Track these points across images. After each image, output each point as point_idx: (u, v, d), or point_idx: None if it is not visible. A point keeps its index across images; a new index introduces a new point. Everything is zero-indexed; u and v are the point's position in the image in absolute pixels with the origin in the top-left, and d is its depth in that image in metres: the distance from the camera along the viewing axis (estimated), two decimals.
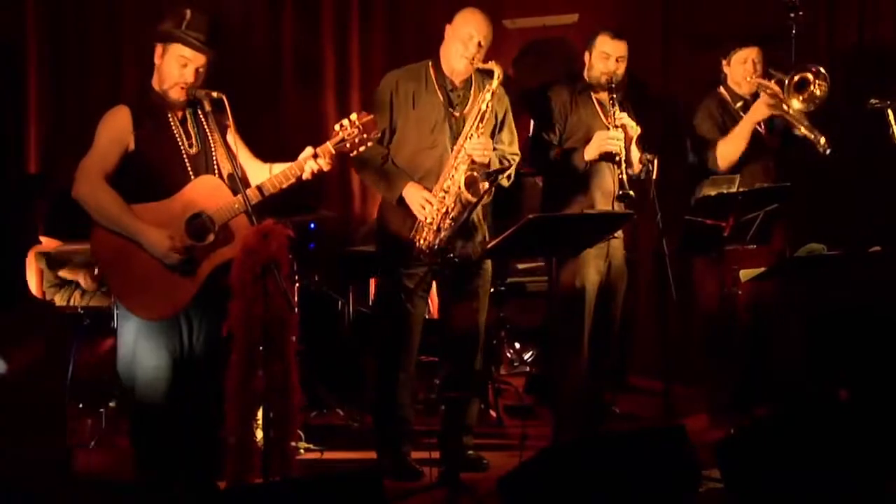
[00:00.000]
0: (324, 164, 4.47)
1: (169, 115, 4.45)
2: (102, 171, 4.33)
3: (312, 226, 6.87)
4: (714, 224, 5.27)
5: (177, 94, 4.42)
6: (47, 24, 7.37)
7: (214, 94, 4.39)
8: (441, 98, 5.17)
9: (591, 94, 5.61)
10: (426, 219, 5.03)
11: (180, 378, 4.41)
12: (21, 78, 7.11)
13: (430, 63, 5.25)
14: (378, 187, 5.24)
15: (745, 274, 5.52)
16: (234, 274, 4.23)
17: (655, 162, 5.39)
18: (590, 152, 5.40)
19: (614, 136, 5.34)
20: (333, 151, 4.48)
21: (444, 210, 5.01)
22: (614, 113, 5.40)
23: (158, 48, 4.45)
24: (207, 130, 4.50)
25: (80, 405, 5.86)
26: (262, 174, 4.50)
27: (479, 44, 5.12)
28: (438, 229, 5.02)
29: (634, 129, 5.41)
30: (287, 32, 7.70)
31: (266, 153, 4.70)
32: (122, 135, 4.38)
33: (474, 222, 5.20)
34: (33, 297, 5.85)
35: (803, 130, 5.70)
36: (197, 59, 4.41)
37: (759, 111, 5.75)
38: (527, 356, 7.44)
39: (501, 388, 6.57)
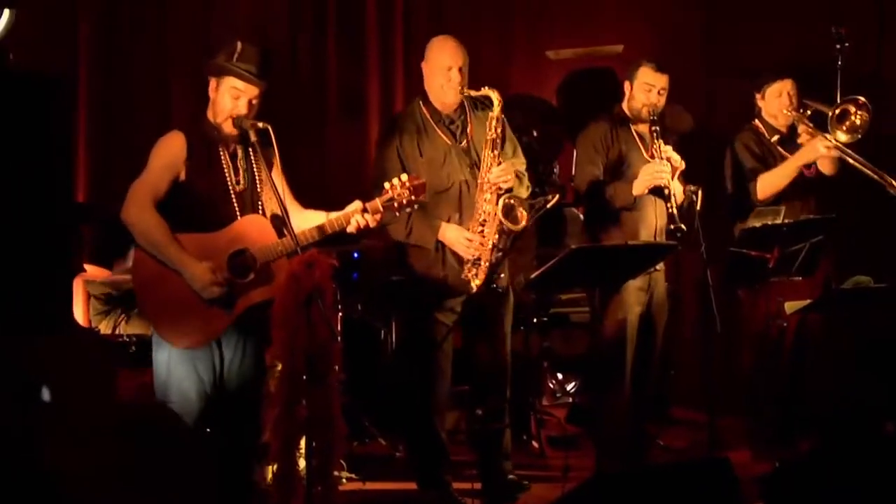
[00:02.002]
0: (370, 220, 4.51)
1: (220, 150, 4.48)
2: (152, 196, 4.35)
3: (356, 255, 6.87)
4: (759, 255, 5.23)
5: (230, 128, 4.45)
6: (98, 58, 7.43)
7: (260, 125, 4.41)
8: (443, 135, 5.16)
9: (631, 126, 5.59)
10: (473, 257, 5.00)
11: (212, 408, 4.41)
12: (72, 110, 7.18)
13: (419, 102, 5.24)
14: (410, 239, 5.18)
15: (790, 306, 5.46)
16: (278, 303, 4.23)
17: (699, 193, 5.35)
18: (639, 186, 5.36)
19: (662, 168, 5.30)
20: (382, 209, 4.51)
21: (489, 244, 4.99)
22: (659, 146, 5.37)
23: (212, 81, 4.48)
24: (255, 168, 4.52)
25: None
26: (299, 221, 4.50)
27: (461, 69, 5.10)
28: (490, 264, 5.00)
29: (679, 163, 5.38)
30: (331, 62, 7.70)
31: (308, 188, 4.73)
32: (175, 162, 4.40)
33: None
34: (78, 325, 5.87)
35: (869, 174, 5.57)
36: (249, 91, 4.43)
37: (811, 152, 5.66)
38: (569, 386, 7.38)
39: (544, 419, 6.53)
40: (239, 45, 4.45)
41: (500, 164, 5.03)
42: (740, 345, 6.11)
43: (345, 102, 7.71)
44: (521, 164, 5.28)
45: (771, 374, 5.71)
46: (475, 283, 5.02)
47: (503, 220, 4.97)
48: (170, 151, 4.43)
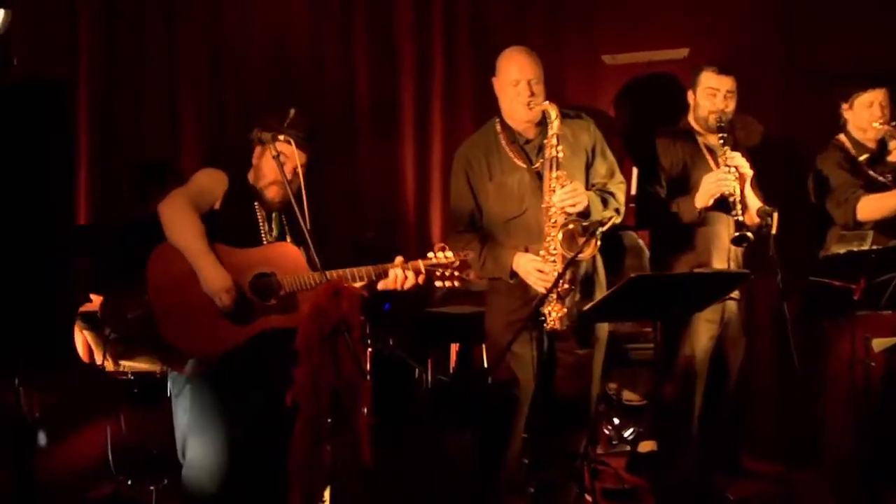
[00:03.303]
0: (410, 278, 4.65)
1: (255, 205, 4.72)
2: (195, 203, 4.57)
3: (387, 307, 6.90)
4: (843, 286, 5.20)
5: (273, 193, 4.68)
6: (101, 61, 7.48)
7: (281, 137, 4.60)
8: (515, 157, 5.20)
9: (698, 138, 5.60)
10: (546, 290, 5.03)
11: (238, 458, 4.45)
12: (71, 120, 7.24)
13: (496, 121, 5.33)
14: (485, 273, 5.28)
15: (878, 343, 5.42)
16: (301, 336, 4.26)
17: (775, 216, 5.34)
18: (701, 198, 5.38)
19: (725, 176, 5.32)
20: (424, 272, 4.64)
21: (555, 276, 5.01)
22: (725, 153, 5.39)
23: (258, 147, 4.74)
24: (287, 230, 4.73)
25: (129, 481, 5.91)
26: None
27: (530, 83, 5.16)
28: (561, 297, 5.02)
29: (748, 171, 5.39)
30: (361, 71, 7.72)
31: (336, 213, 4.80)
32: (214, 193, 4.65)
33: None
34: (81, 363, 5.93)
35: None
36: (295, 158, 4.63)
37: None
38: (628, 433, 7.35)
39: (598, 469, 6.50)
40: (292, 111, 4.71)
41: (563, 186, 5.05)
42: (821, 386, 6.07)
43: (376, 117, 7.71)
44: (616, 184, 5.33)
45: (856, 419, 5.67)
46: (550, 319, 5.04)
47: (561, 248, 4.99)
48: (211, 180, 4.68)
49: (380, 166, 7.63)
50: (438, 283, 4.77)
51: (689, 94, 5.67)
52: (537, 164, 5.20)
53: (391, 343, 6.59)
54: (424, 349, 6.59)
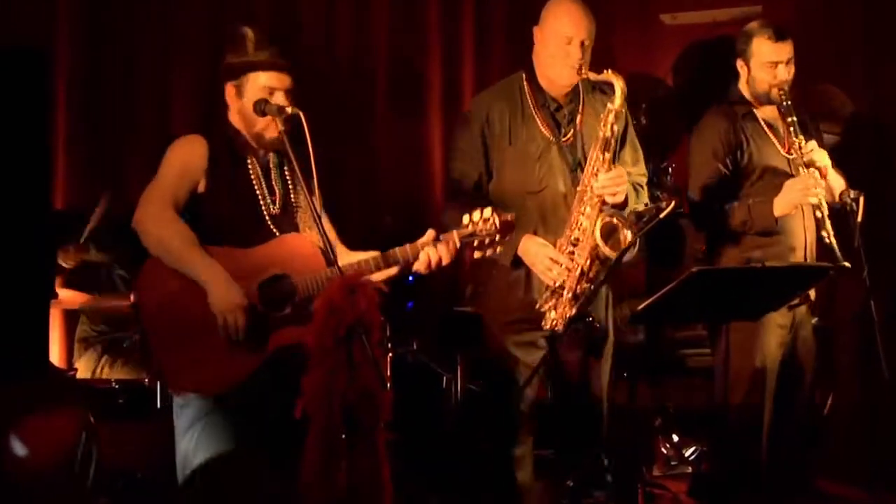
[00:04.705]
0: (445, 254, 4.51)
1: (249, 163, 4.56)
2: (172, 201, 4.43)
3: (410, 279, 6.88)
4: None
5: (273, 131, 4.51)
6: (83, 27, 7.49)
7: (288, 110, 4.45)
8: (542, 125, 5.16)
9: (755, 112, 5.57)
10: (555, 283, 5.01)
11: (246, 481, 4.45)
12: (48, 92, 7.26)
13: (523, 77, 5.26)
14: None
15: None
16: (313, 339, 4.23)
17: (861, 201, 5.31)
18: (783, 206, 5.35)
19: (814, 183, 5.27)
20: (458, 244, 4.51)
21: (577, 271, 4.98)
22: (799, 144, 5.34)
23: (229, 89, 4.57)
24: (292, 188, 4.59)
25: None
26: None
27: (583, 44, 5.09)
28: (575, 296, 4.99)
29: (825, 161, 5.34)
30: (381, 37, 7.72)
31: (353, 198, 4.74)
32: (193, 171, 4.49)
33: None
34: (55, 368, 5.95)
35: None
36: (283, 81, 4.53)
37: None
38: (688, 452, 7.33)
39: (655, 494, 6.50)
40: (249, 31, 4.52)
41: (608, 170, 5.02)
42: None
43: (397, 87, 7.71)
44: (640, 175, 5.31)
45: None
46: (550, 318, 5.02)
47: (600, 243, 4.95)
48: (187, 157, 4.52)
49: (402, 147, 7.64)
50: (478, 254, 4.63)
51: (739, 62, 5.62)
52: (568, 136, 5.17)
53: (415, 347, 6.59)
54: (453, 354, 6.57)
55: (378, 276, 4.53)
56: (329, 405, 4.19)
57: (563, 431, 5.36)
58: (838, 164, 5.52)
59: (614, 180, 4.99)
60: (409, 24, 7.69)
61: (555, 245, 5.07)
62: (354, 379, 4.18)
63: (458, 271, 7.46)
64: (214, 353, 4.36)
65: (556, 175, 5.14)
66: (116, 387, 5.96)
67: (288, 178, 4.62)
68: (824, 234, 5.27)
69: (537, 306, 5.07)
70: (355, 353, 4.18)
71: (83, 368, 6.27)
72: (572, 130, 5.18)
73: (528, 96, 5.22)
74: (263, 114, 4.47)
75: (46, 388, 5.41)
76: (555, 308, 5.03)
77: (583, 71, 5.07)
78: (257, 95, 4.49)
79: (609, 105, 5.06)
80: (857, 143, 6.13)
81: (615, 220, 5.01)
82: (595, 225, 4.99)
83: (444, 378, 6.59)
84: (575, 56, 5.07)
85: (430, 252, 4.51)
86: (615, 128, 5.06)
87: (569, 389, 5.28)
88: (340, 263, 4.42)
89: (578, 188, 5.06)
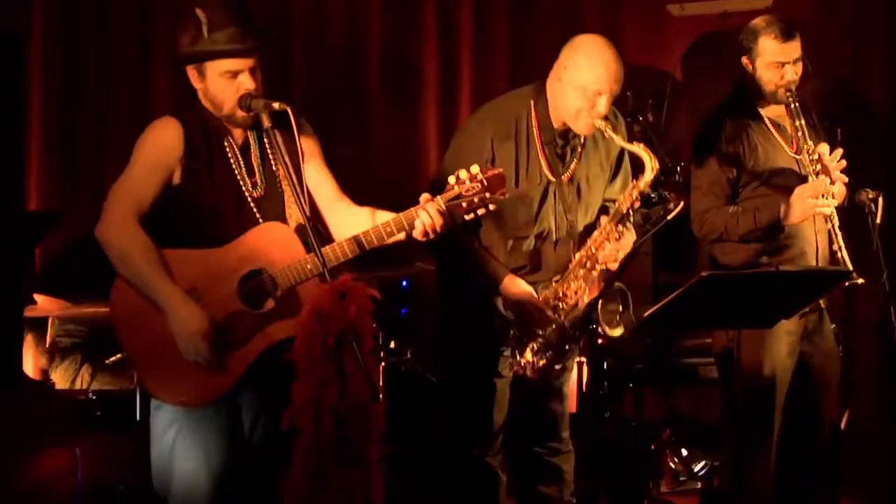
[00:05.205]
0: (436, 219, 4.39)
1: (227, 144, 4.50)
2: (136, 206, 4.35)
3: (405, 284, 6.88)
4: None
5: (238, 115, 4.44)
6: (57, 14, 7.48)
7: (276, 105, 4.40)
8: (545, 165, 5.12)
9: (762, 112, 5.56)
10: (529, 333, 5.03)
11: (228, 489, 4.43)
12: (21, 83, 7.25)
13: (531, 106, 5.13)
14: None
15: None
16: (300, 347, 4.21)
17: (880, 201, 5.31)
18: (791, 216, 5.34)
19: (823, 191, 5.25)
20: (444, 208, 4.43)
21: (558, 325, 5.02)
22: (808, 149, 5.33)
23: (191, 71, 4.48)
24: (274, 165, 4.52)
25: None
26: (357, 223, 4.49)
27: (603, 98, 4.95)
28: (540, 349, 5.04)
29: (834, 164, 5.33)
30: (374, 25, 7.72)
31: (346, 187, 4.69)
32: (167, 160, 4.40)
33: None
34: (28, 379, 5.94)
35: None
36: (245, 63, 4.43)
37: None
38: (698, 467, 7.33)
39: None
40: (200, 13, 4.39)
41: (617, 238, 5.01)
42: None
43: (391, 77, 7.70)
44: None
45: None
46: (524, 366, 5.06)
47: (577, 295, 5.01)
48: (160, 145, 4.43)
49: (396, 137, 7.63)
50: (469, 216, 4.55)
51: (745, 59, 5.61)
52: (569, 173, 5.14)
53: (409, 356, 6.57)
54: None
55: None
56: (318, 418, 4.17)
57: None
58: (856, 161, 5.51)
59: (616, 253, 4.99)
60: (404, 11, 7.67)
61: (537, 291, 5.06)
62: (345, 391, 4.16)
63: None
64: (196, 365, 4.34)
65: (550, 217, 5.12)
66: (94, 398, 5.95)
67: (270, 156, 4.52)
68: (835, 247, 5.27)
69: (502, 349, 5.10)
70: (346, 363, 4.15)
71: (60, 379, 6.25)
72: (573, 165, 5.15)
73: (534, 133, 5.12)
74: (249, 109, 4.42)
75: (22, 400, 5.42)
76: (531, 359, 5.05)
77: (606, 131, 4.93)
78: (219, 80, 4.39)
79: (639, 179, 4.97)
80: (876, 139, 6.11)
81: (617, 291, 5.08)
82: (581, 283, 5.03)
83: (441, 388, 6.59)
84: (600, 111, 4.92)
85: (424, 218, 4.35)
86: (636, 206, 4.99)
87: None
88: (341, 227, 4.43)
89: (579, 253, 5.05)
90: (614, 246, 4.98)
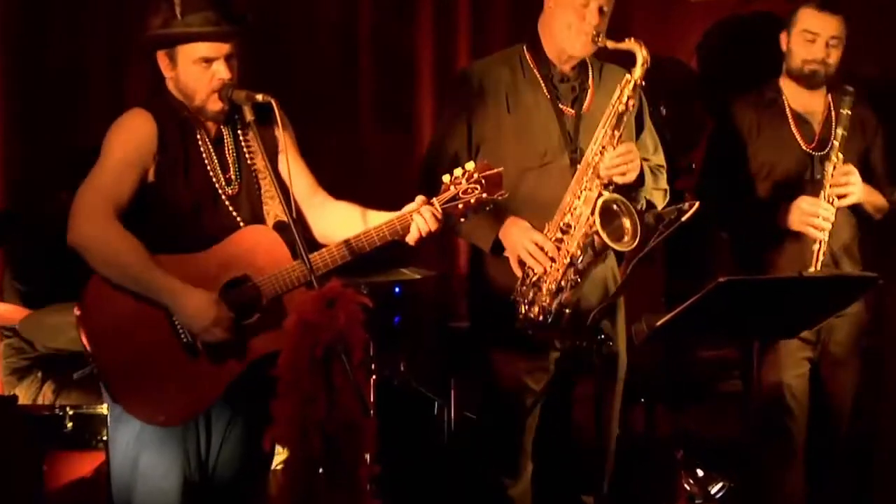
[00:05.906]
0: (431, 222, 4.43)
1: (199, 137, 4.50)
2: (113, 204, 4.34)
3: (398, 290, 6.87)
4: None
5: (216, 104, 4.46)
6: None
7: (259, 97, 4.41)
8: (548, 95, 5.13)
9: (785, 101, 5.56)
10: (535, 272, 5.00)
11: None
12: None
13: (523, 48, 5.25)
14: (461, 232, 5.26)
15: None
16: (284, 359, 4.21)
17: None
18: (788, 222, 5.38)
19: (822, 213, 5.28)
20: (440, 212, 4.44)
21: (566, 260, 4.97)
22: (835, 164, 5.35)
23: (161, 57, 4.49)
24: (251, 160, 4.52)
25: None
26: (335, 216, 4.49)
27: (601, 9, 5.04)
28: (558, 289, 4.97)
29: (858, 192, 5.36)
30: (364, 16, 7.72)
31: (334, 191, 4.69)
32: (142, 156, 4.41)
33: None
34: None
35: None
36: (220, 49, 4.44)
37: None
38: (715, 488, 7.33)
39: None
40: None
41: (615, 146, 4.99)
42: None
43: (384, 70, 7.70)
44: (658, 166, 5.32)
45: None
46: (528, 312, 5.01)
47: (599, 229, 4.91)
48: (133, 139, 4.43)
49: (389, 133, 7.63)
50: (464, 219, 4.57)
51: (782, 36, 5.61)
52: (573, 110, 5.16)
53: (402, 368, 6.57)
54: (446, 377, 6.56)
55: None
56: (304, 435, 4.17)
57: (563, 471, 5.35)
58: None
59: (624, 157, 4.95)
60: (399, 1, 7.68)
61: (542, 230, 5.04)
62: (333, 406, 4.17)
63: (451, 281, 7.49)
64: (177, 380, 4.34)
65: (557, 154, 5.14)
66: (60, 413, 5.92)
67: (246, 151, 4.56)
68: (811, 269, 5.30)
69: (511, 297, 5.06)
70: (334, 377, 4.16)
71: (22, 396, 6.23)
72: (578, 110, 5.16)
73: (530, 65, 5.21)
74: (231, 102, 4.44)
75: None
76: (525, 302, 5.02)
77: (599, 39, 5.01)
78: (192, 67, 4.41)
79: (627, 76, 5.03)
80: None
81: (616, 206, 4.96)
82: (595, 210, 4.94)
83: (436, 404, 6.59)
84: (592, 22, 5.02)
85: (419, 222, 4.41)
86: (631, 102, 5.02)
87: (569, 423, 5.26)
88: (320, 226, 4.49)
89: (580, 166, 5.03)
90: (615, 153, 4.95)
